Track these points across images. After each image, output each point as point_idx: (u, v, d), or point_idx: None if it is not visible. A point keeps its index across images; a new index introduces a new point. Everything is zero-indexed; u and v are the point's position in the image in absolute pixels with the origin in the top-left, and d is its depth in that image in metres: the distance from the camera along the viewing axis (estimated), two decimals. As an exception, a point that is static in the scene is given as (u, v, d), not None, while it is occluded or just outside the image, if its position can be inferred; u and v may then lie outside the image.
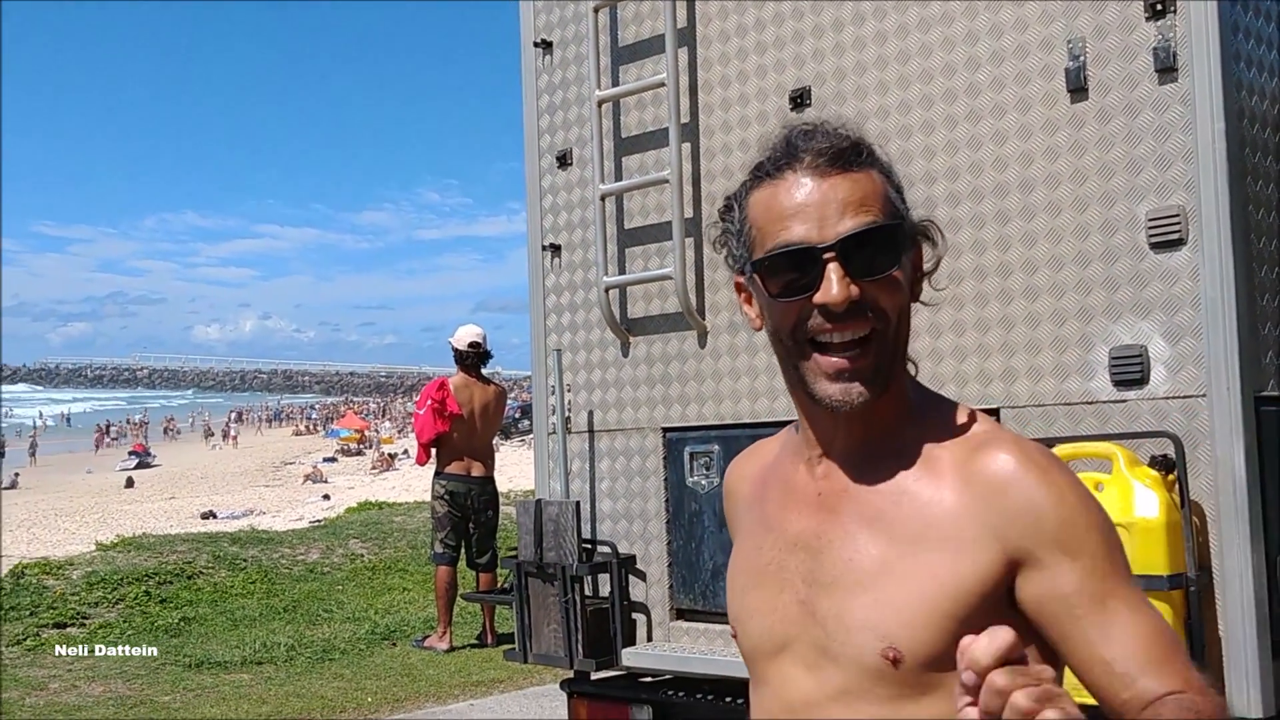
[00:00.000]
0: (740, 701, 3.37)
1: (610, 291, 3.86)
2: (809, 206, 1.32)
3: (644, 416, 3.82)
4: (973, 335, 3.09)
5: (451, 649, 8.39)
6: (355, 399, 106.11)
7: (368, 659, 8.32)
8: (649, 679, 3.89)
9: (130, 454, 45.48)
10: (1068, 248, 2.93)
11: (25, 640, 8.59)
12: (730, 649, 3.40)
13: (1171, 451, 2.71)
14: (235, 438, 60.64)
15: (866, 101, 3.28)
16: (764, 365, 3.49)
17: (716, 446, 3.62)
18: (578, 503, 3.84)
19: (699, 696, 3.60)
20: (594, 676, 3.88)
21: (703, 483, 3.65)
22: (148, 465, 42.68)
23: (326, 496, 24.67)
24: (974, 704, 1.01)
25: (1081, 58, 2.90)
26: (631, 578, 3.81)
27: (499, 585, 7.86)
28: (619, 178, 3.87)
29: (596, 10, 3.84)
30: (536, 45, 4.12)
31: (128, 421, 76.35)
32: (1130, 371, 2.82)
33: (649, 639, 3.78)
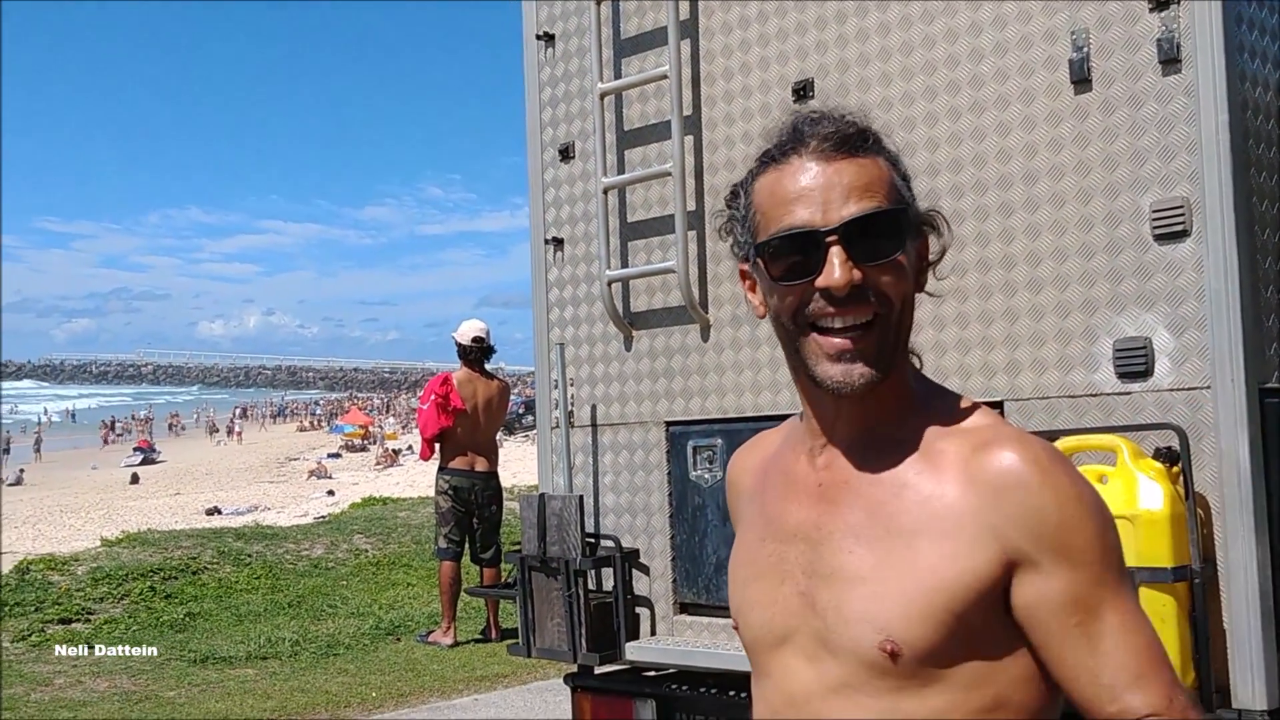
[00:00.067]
0: (744, 695, 3.37)
1: (613, 285, 3.85)
2: (813, 190, 1.31)
3: (647, 410, 3.81)
4: (976, 328, 3.08)
5: (456, 644, 8.39)
6: (359, 395, 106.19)
7: (372, 654, 8.32)
8: (653, 673, 3.89)
9: (135, 450, 45.66)
10: (1072, 240, 2.92)
11: (30, 636, 8.60)
12: (733, 643, 3.39)
13: (1176, 444, 2.70)
14: (240, 434, 60.80)
15: (870, 93, 3.27)
16: (767, 359, 3.48)
17: (720, 440, 3.61)
18: (581, 497, 3.84)
19: (703, 690, 3.60)
20: (598, 671, 3.88)
21: (706, 476, 3.65)
22: (153, 461, 42.83)
23: (331, 492, 24.71)
24: None
25: (1085, 49, 2.89)
26: (635, 572, 3.81)
27: (503, 580, 7.87)
28: (621, 171, 3.86)
29: (599, 3, 3.83)
30: (539, 38, 4.11)
31: (133, 418, 76.58)
32: (1134, 364, 2.81)
33: (652, 633, 3.77)
